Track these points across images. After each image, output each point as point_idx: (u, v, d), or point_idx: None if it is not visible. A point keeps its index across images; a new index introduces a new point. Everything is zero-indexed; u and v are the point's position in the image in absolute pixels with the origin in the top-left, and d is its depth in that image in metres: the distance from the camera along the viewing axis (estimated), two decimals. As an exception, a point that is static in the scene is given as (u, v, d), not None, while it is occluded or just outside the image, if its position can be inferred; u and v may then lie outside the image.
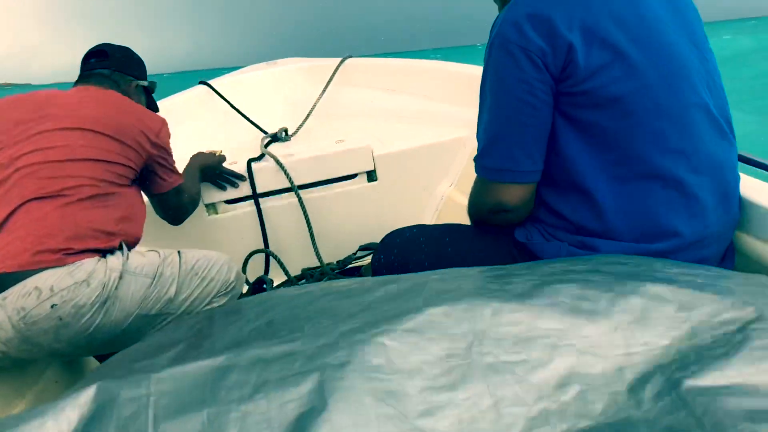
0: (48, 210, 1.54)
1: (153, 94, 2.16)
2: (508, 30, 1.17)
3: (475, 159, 1.29)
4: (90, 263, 1.52)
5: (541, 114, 1.18)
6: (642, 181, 1.17)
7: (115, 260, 1.57)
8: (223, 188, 2.34)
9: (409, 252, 1.42)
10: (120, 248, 1.63)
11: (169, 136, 1.90)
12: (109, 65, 1.94)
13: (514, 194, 1.25)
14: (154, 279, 1.60)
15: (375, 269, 1.48)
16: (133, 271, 1.58)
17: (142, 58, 2.13)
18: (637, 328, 0.79)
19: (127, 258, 1.60)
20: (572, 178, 1.20)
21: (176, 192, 1.96)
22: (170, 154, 1.92)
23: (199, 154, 2.28)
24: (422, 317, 0.80)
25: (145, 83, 2.06)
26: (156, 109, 2.17)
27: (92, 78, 1.91)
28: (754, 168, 1.48)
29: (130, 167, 1.75)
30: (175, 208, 2.03)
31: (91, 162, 1.64)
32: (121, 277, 1.54)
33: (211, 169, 2.29)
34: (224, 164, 2.36)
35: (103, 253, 1.59)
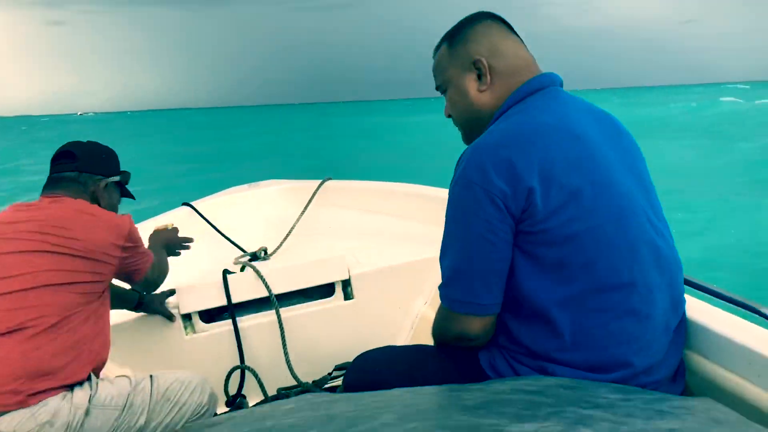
0: (10, 348, 1.50)
1: (127, 185, 2.13)
2: (472, 172, 1.27)
3: (440, 288, 1.36)
4: (54, 402, 1.50)
5: (501, 251, 1.27)
6: (597, 314, 1.24)
7: (81, 395, 1.55)
8: (178, 254, 2.38)
9: (379, 374, 1.46)
10: (89, 379, 1.60)
11: (137, 230, 1.88)
12: (77, 167, 1.91)
13: (476, 325, 1.32)
14: (123, 410, 1.59)
15: (346, 390, 1.50)
16: (101, 405, 1.56)
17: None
18: (573, 427, 0.86)
19: (96, 390, 1.58)
20: (531, 309, 1.27)
21: (151, 270, 1.96)
22: (140, 245, 1.89)
23: (157, 232, 2.30)
24: (374, 423, 0.86)
25: (117, 178, 2.02)
26: (132, 197, 2.16)
27: (60, 183, 1.87)
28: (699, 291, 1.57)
29: (101, 281, 1.73)
30: (149, 283, 2.03)
31: (55, 287, 1.61)
32: (87, 413, 1.52)
33: (172, 243, 2.32)
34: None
35: (70, 387, 1.56)
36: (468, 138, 1.53)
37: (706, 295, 1.55)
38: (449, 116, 1.55)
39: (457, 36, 1.47)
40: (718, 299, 1.53)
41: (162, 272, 2.11)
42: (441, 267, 1.35)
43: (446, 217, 1.33)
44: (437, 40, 1.55)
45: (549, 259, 1.25)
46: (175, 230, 2.39)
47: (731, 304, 1.50)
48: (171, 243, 2.32)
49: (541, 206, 1.22)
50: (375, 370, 1.48)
